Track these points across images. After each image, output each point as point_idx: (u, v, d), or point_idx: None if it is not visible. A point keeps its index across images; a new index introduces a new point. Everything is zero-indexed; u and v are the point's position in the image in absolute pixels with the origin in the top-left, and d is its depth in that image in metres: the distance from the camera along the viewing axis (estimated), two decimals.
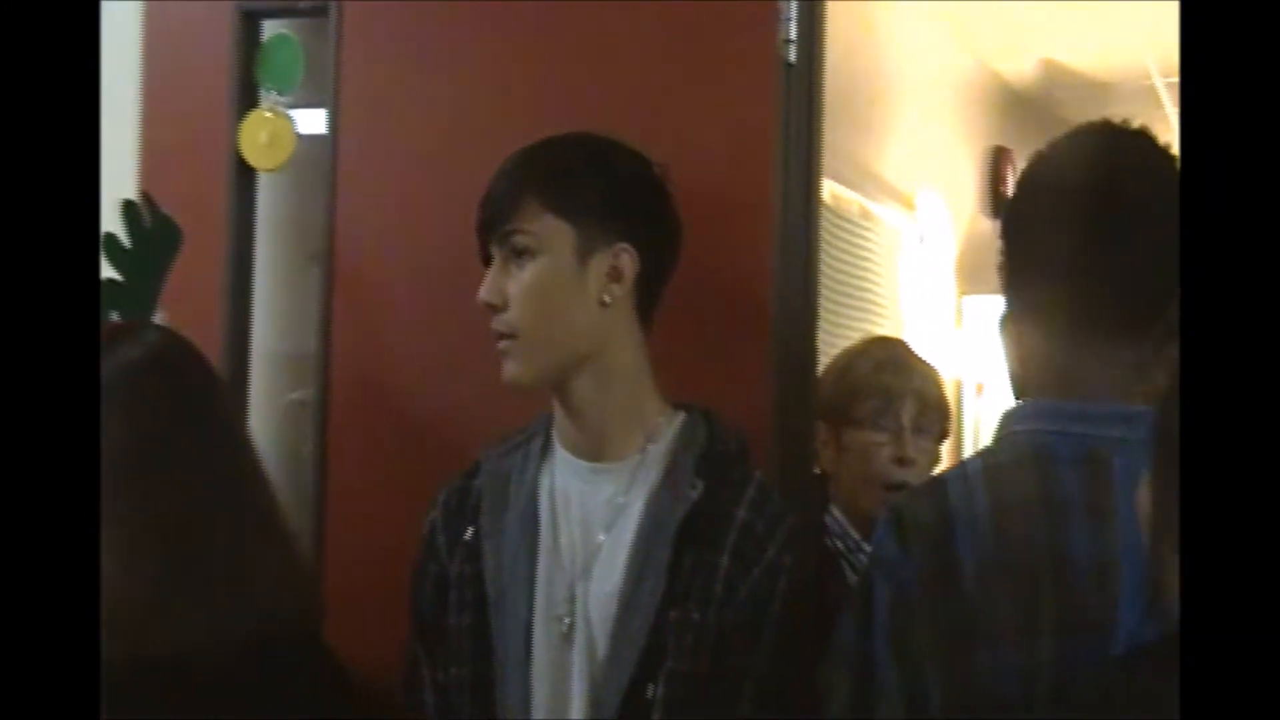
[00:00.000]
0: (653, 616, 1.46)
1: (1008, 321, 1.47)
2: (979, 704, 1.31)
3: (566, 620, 1.50)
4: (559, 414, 1.58)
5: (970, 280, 4.53)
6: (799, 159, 1.72)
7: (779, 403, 1.71)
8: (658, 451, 1.54)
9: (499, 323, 1.53)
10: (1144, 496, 1.17)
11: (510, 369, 1.53)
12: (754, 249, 1.72)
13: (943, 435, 2.12)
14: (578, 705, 1.48)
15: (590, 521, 1.53)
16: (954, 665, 1.32)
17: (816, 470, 2.03)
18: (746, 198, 1.73)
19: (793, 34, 1.75)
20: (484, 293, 1.53)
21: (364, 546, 1.93)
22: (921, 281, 4.15)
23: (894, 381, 2.06)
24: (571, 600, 1.51)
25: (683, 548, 1.48)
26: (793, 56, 1.75)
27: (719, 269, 1.71)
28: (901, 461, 2.03)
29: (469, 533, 1.56)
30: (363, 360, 1.98)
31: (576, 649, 1.50)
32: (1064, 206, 1.40)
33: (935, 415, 2.09)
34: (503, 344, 1.53)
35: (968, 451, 4.61)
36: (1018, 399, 1.46)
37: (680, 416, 1.58)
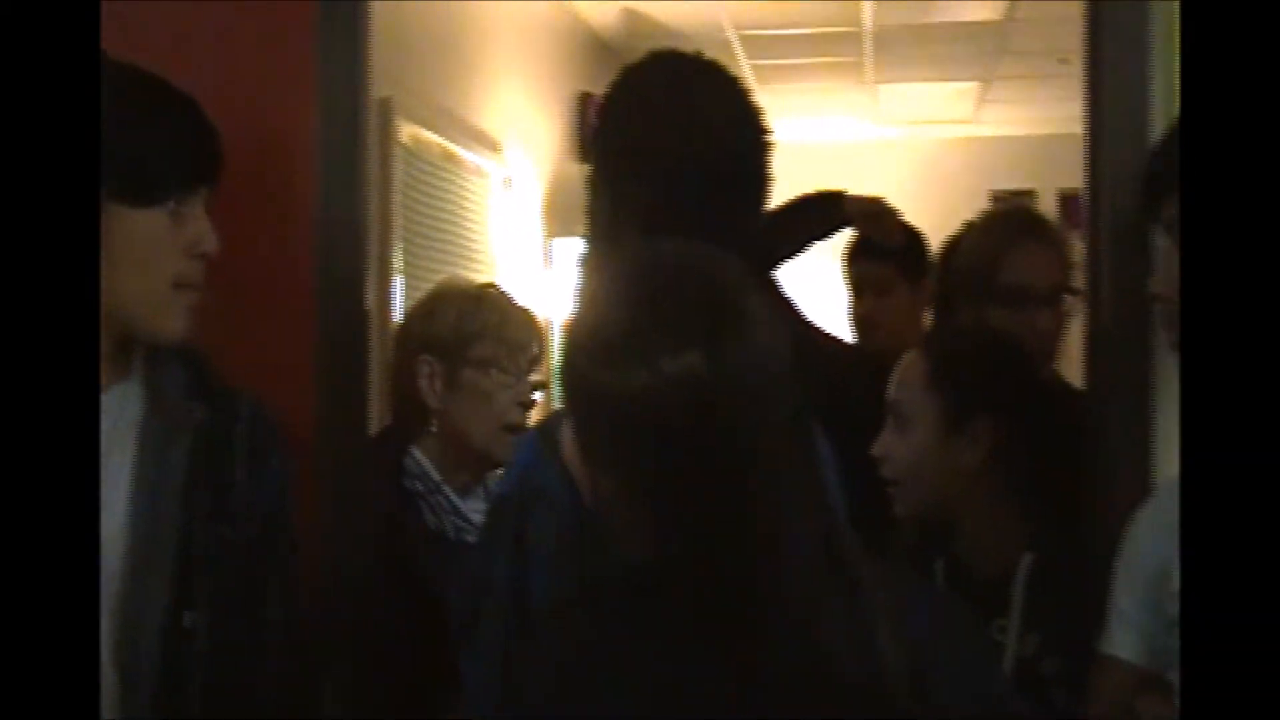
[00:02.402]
0: (175, 543, 1.44)
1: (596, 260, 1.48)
2: None
3: None
4: None
5: (558, 222, 4.63)
6: (345, 96, 1.68)
7: (325, 344, 1.69)
8: (135, 385, 1.50)
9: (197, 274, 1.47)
10: (569, 441, 1.19)
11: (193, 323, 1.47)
12: (298, 189, 1.68)
13: (545, 382, 2.19)
14: (107, 648, 1.40)
15: None
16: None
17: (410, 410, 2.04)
18: (289, 136, 1.68)
19: None
20: (215, 244, 1.45)
21: None
22: (509, 224, 4.21)
23: (520, 327, 2.10)
24: None
25: (194, 470, 1.47)
26: None
27: (263, 211, 1.65)
28: (523, 405, 2.07)
29: None
30: None
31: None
32: (644, 133, 1.44)
33: (543, 361, 2.16)
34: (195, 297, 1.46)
35: (557, 389, 4.73)
36: None
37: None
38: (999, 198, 7.08)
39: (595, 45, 5.36)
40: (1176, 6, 1.66)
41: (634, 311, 1.11)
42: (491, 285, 2.33)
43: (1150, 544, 1.43)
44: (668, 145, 1.43)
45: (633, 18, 5.21)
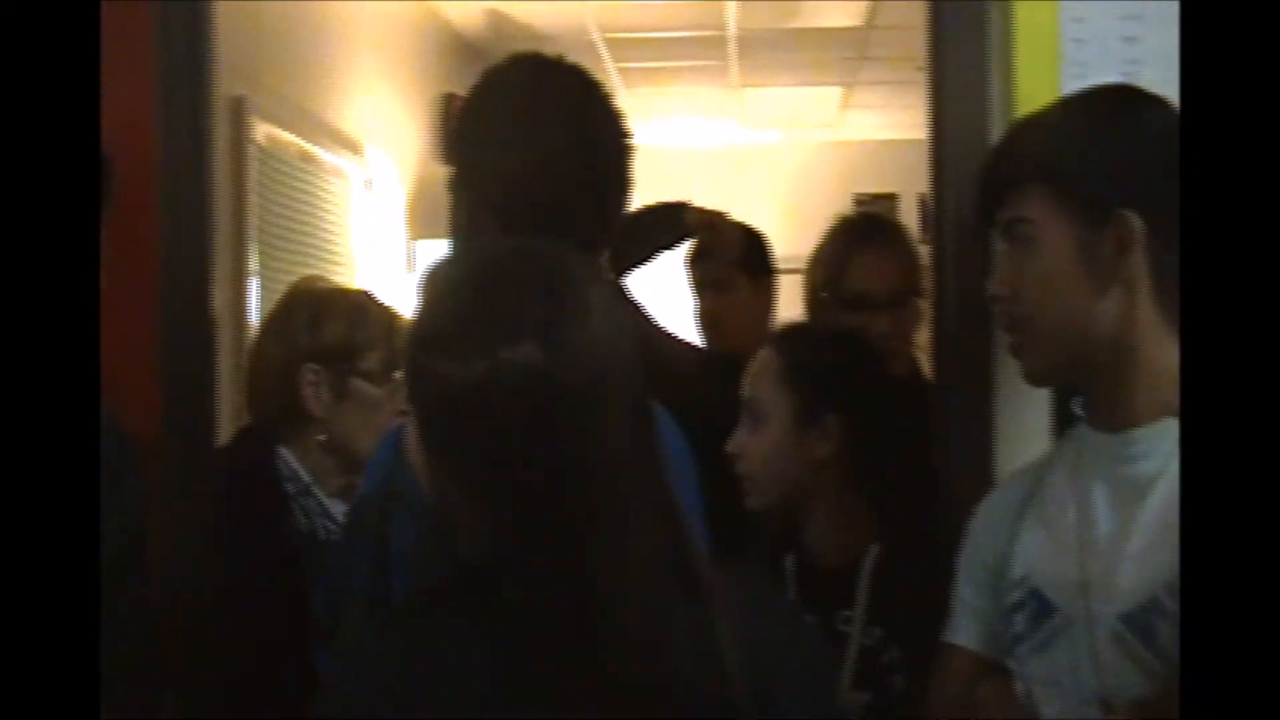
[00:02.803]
0: None
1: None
2: None
3: None
4: None
5: (421, 224, 4.60)
6: (190, 95, 1.64)
7: (169, 350, 1.65)
8: None
9: None
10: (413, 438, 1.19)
11: None
12: (140, 190, 1.63)
13: None
14: None
15: None
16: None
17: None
18: (129, 136, 1.63)
19: None
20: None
21: None
22: (371, 226, 4.16)
23: (402, 336, 2.07)
24: None
25: None
26: None
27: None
28: (403, 414, 2.06)
29: None
30: None
31: None
32: (504, 136, 1.44)
33: None
34: None
35: None
36: None
37: None
38: (862, 201, 7.22)
39: (459, 46, 5.33)
40: (1013, 11, 1.72)
41: (472, 302, 1.10)
42: (365, 292, 2.31)
43: (989, 535, 1.47)
44: (527, 148, 1.43)
45: (497, 19, 5.20)
